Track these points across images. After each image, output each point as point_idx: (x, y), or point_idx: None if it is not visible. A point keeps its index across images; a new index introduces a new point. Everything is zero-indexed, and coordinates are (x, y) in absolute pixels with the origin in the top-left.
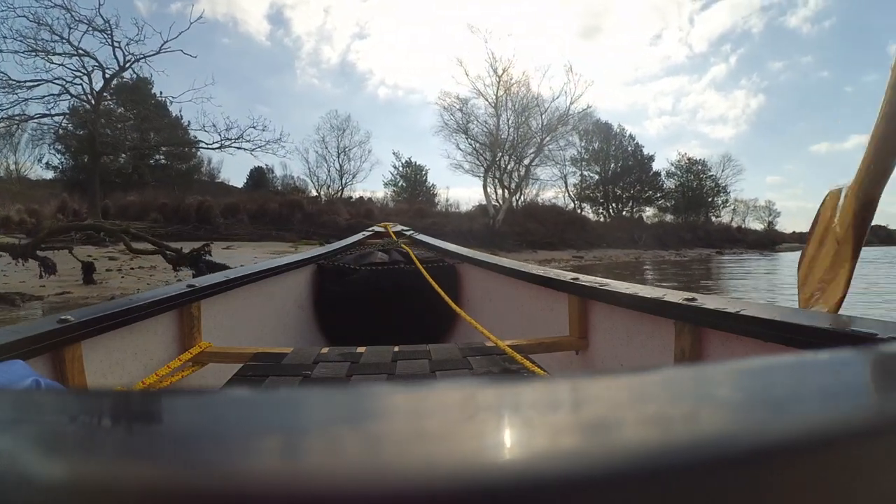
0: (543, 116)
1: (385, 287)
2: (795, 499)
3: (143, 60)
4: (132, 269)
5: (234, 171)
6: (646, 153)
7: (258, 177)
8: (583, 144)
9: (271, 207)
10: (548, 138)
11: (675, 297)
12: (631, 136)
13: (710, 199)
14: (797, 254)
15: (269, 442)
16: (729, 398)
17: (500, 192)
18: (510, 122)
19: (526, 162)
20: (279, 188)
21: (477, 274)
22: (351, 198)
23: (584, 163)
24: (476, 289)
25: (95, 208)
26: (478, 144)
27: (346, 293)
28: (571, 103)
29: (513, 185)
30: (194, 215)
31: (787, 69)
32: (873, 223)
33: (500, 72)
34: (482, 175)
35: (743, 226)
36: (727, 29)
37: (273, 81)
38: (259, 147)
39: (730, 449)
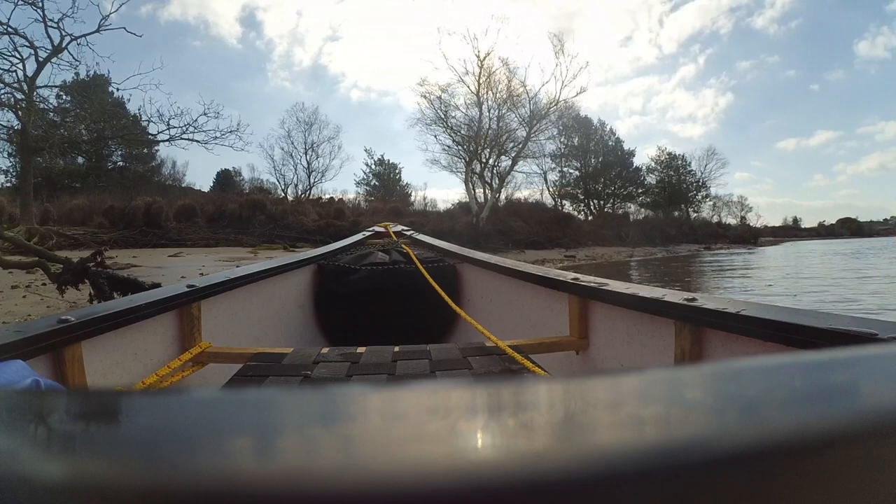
0: (531, 102)
1: (385, 287)
2: (794, 499)
3: (81, 41)
4: (44, 284)
5: (201, 174)
6: (626, 148)
7: (225, 180)
8: (562, 140)
9: (230, 209)
10: (536, 127)
11: (676, 297)
12: (612, 130)
13: (690, 195)
14: (779, 247)
15: (268, 442)
16: (727, 398)
17: (481, 189)
18: (492, 111)
19: (513, 154)
20: (246, 191)
21: (477, 274)
22: (320, 198)
23: (563, 159)
24: (476, 289)
25: (28, 211)
26: (459, 136)
27: (347, 293)
28: (563, 87)
29: (496, 181)
30: (142, 219)
31: (754, 69)
32: (844, 216)
33: (481, 55)
34: (463, 171)
35: (721, 221)
36: (696, 30)
37: (243, 84)
38: (214, 139)
39: (727, 449)
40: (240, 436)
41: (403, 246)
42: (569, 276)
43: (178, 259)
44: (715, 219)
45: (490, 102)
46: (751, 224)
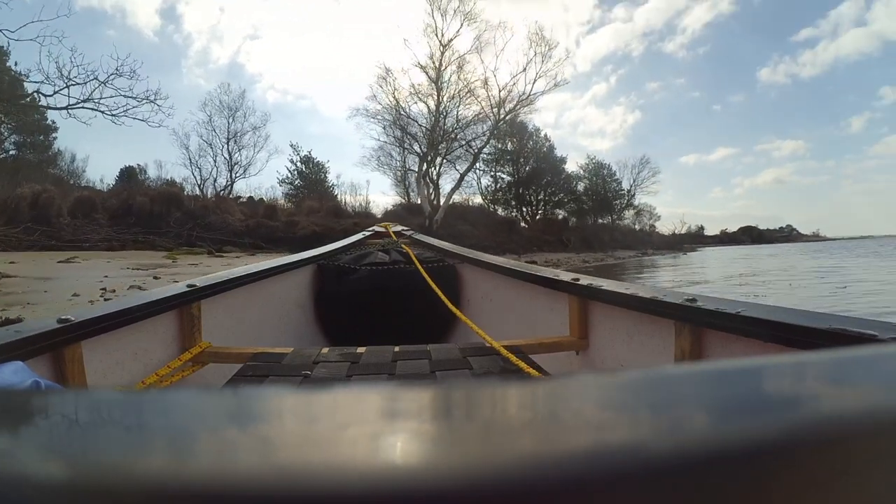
0: (502, 92)
1: (385, 287)
2: (792, 500)
3: None
4: None
5: (102, 171)
6: (559, 155)
7: (128, 178)
8: (497, 144)
9: (139, 203)
10: (502, 119)
11: (676, 297)
12: (546, 136)
13: (616, 202)
14: (701, 252)
15: (266, 442)
16: (726, 398)
17: (429, 189)
18: (447, 106)
19: (475, 151)
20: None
21: (477, 274)
22: (239, 197)
23: (496, 163)
24: (476, 289)
25: None
26: (418, 127)
27: (347, 293)
28: (538, 77)
29: (453, 181)
30: (28, 212)
31: (662, 89)
32: (746, 224)
33: (444, 41)
34: (401, 170)
35: (644, 228)
36: (610, 51)
37: (155, 79)
38: (125, 111)
39: (725, 450)
40: (239, 436)
41: (403, 246)
42: (568, 276)
43: (70, 266)
44: (636, 227)
45: (451, 91)
46: (661, 232)
